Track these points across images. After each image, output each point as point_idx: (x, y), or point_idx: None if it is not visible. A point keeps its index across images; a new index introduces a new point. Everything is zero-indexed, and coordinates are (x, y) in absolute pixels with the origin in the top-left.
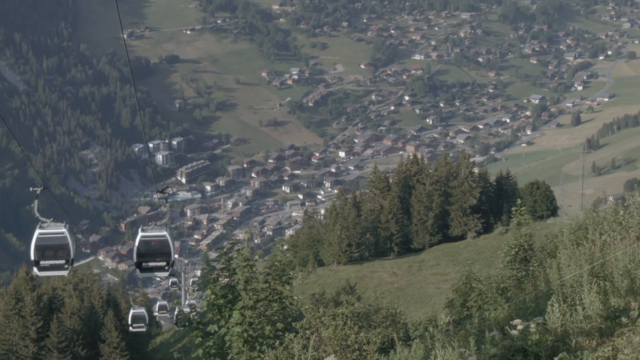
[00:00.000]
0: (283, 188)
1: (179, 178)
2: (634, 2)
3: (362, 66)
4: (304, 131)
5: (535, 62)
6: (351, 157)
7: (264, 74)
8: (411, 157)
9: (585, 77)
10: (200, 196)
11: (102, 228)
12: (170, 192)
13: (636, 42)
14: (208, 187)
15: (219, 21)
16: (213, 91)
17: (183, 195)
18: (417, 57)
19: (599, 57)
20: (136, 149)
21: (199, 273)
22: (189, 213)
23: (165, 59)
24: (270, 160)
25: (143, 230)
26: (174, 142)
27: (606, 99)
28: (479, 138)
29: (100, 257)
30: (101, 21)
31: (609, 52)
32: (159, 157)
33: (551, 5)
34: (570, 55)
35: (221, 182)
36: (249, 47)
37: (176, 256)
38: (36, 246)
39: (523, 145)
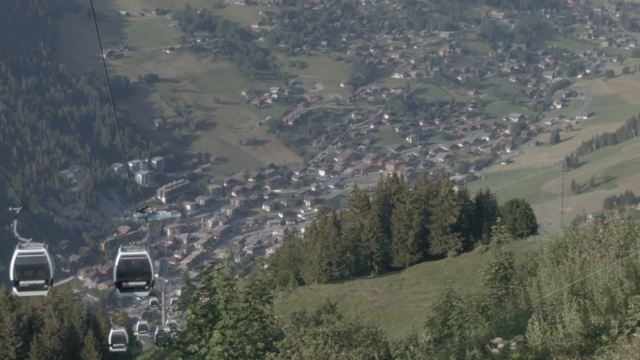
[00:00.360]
0: (263, 207)
1: (159, 197)
2: (612, 20)
3: (341, 85)
4: (284, 150)
5: (514, 80)
6: (331, 176)
7: (243, 93)
8: (391, 175)
9: (564, 96)
10: (180, 215)
11: (81, 248)
12: (150, 211)
13: (614, 60)
14: (188, 207)
15: (199, 40)
16: (193, 110)
17: (163, 214)
18: (396, 75)
19: (577, 75)
20: (116, 168)
21: (179, 292)
22: (169, 232)
23: (144, 78)
24: (250, 179)
25: (123, 250)
26: (154, 162)
27: (585, 117)
28: (459, 156)
29: (80, 277)
30: (80, 40)
31: (588, 71)
32: (139, 177)
33: (529, 24)
34: (549, 73)
35: (201, 201)
36: (229, 66)
37: (156, 276)
38: (15, 266)
39: (502, 163)
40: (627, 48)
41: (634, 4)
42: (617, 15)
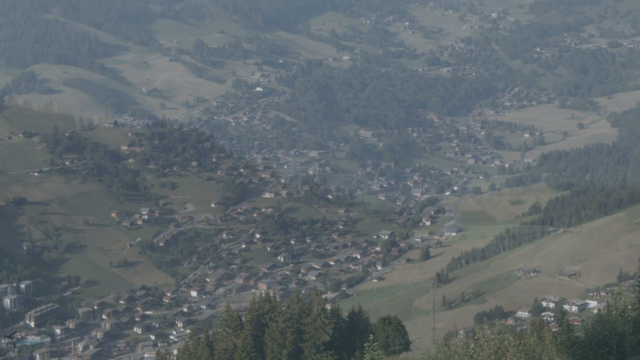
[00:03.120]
0: (134, 329)
1: (28, 322)
2: (477, 138)
3: (212, 205)
4: (155, 271)
5: (383, 198)
6: (203, 296)
7: (113, 215)
8: (263, 294)
9: (432, 213)
10: (50, 340)
11: None
12: (19, 336)
13: (480, 177)
14: (58, 331)
15: (67, 163)
16: (62, 233)
17: (32, 339)
18: (267, 195)
19: (445, 192)
20: None
21: None
22: (38, 357)
23: (12, 202)
24: (121, 302)
25: None
26: (22, 286)
27: (454, 234)
28: (331, 274)
29: None
30: None
31: (455, 188)
32: (7, 301)
33: (397, 143)
34: (417, 191)
35: (71, 324)
36: (98, 187)
37: None
38: None
39: (374, 280)
40: (492, 165)
41: (498, 122)
42: (482, 133)
